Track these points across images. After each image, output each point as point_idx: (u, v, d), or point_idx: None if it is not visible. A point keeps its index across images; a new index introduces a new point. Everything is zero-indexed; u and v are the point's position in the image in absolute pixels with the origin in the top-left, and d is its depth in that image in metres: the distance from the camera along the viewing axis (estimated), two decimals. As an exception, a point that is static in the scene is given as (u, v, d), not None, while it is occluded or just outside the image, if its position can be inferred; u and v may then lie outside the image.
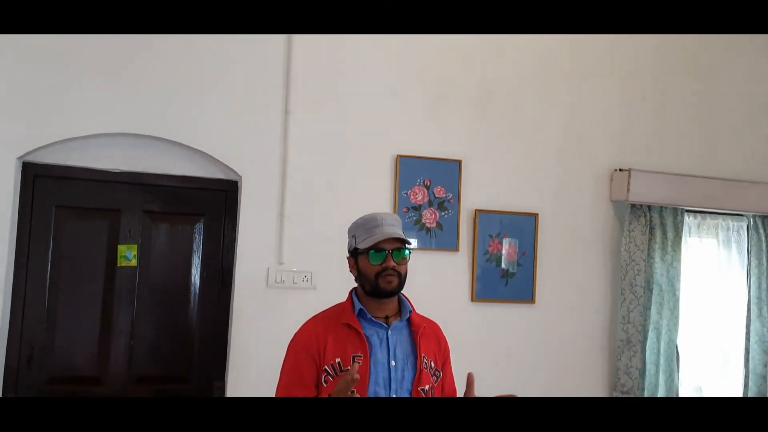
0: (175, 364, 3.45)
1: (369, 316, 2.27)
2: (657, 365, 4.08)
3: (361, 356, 2.19)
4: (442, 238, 3.79)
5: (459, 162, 3.82)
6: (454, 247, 3.80)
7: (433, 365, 2.32)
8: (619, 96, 4.17)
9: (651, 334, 4.07)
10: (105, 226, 3.39)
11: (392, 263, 2.24)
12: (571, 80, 4.08)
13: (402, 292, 2.33)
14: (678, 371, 4.12)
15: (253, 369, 3.34)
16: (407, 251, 2.29)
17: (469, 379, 2.24)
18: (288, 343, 2.30)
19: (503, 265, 3.89)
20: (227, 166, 3.48)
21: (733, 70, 4.41)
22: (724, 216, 4.41)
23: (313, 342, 2.22)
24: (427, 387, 2.27)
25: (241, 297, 3.46)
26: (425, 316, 2.44)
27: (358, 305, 2.28)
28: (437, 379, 2.33)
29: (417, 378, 2.25)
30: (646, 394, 4.04)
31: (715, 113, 4.38)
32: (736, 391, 4.36)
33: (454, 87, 3.86)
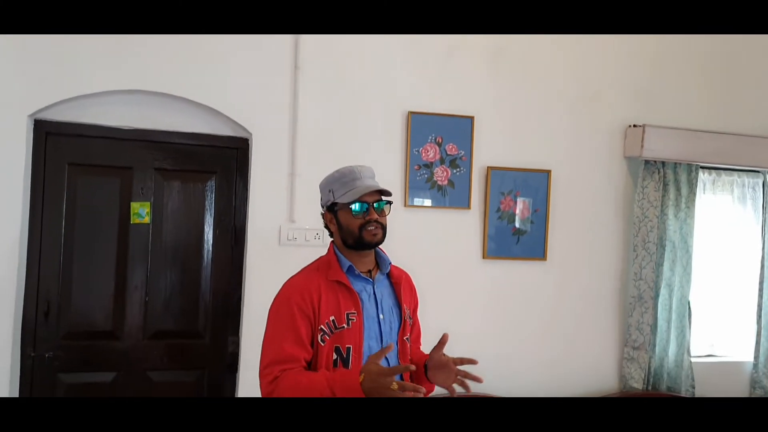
0: (190, 320, 3.49)
1: (357, 271, 2.27)
2: (669, 322, 4.09)
3: (354, 313, 2.21)
4: (454, 196, 3.78)
5: (471, 118, 3.79)
6: (465, 204, 3.80)
7: (409, 314, 2.37)
8: (633, 51, 4.10)
9: (663, 291, 4.07)
10: (117, 184, 3.40)
11: (375, 215, 2.24)
12: (584, 35, 4.01)
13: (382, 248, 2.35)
14: (690, 328, 4.13)
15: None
16: (388, 203, 2.29)
17: (442, 339, 2.27)
18: (274, 299, 2.27)
19: (515, 223, 3.89)
20: (238, 124, 3.48)
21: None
22: (740, 172, 4.36)
23: (306, 300, 2.18)
24: (407, 336, 2.33)
25: (254, 254, 3.48)
26: (396, 265, 2.44)
27: (346, 262, 2.27)
28: (411, 326, 2.39)
29: (402, 328, 2.30)
30: (657, 350, 4.06)
31: (731, 68, 4.31)
32: (747, 347, 4.37)
33: (466, 43, 3.81)
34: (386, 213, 2.29)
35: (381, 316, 2.27)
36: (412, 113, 3.69)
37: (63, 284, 3.32)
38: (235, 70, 3.46)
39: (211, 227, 3.53)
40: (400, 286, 2.35)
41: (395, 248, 3.59)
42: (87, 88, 3.28)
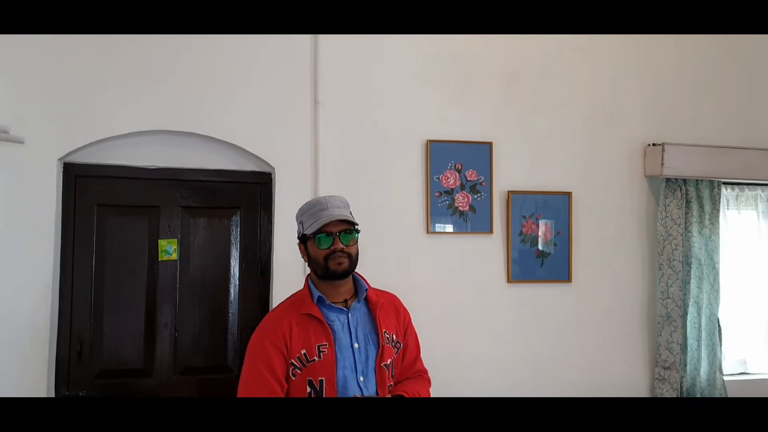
0: (218, 355, 3.52)
1: (328, 302, 2.29)
2: (699, 340, 4.05)
3: (326, 345, 2.22)
4: (476, 221, 3.80)
5: (489, 144, 3.82)
6: (488, 229, 3.81)
7: (395, 338, 2.37)
8: (647, 69, 4.12)
9: (691, 309, 4.03)
10: (145, 222, 3.47)
11: (340, 245, 2.26)
12: (598, 56, 4.04)
13: (356, 270, 2.36)
14: (720, 345, 4.08)
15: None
16: (355, 232, 2.31)
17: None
18: (250, 339, 2.31)
19: (538, 246, 3.89)
20: (261, 159, 3.54)
21: (764, 37, 4.32)
22: (763, 186, 4.33)
23: (279, 335, 2.22)
24: (388, 361, 2.32)
25: (279, 287, 3.50)
26: (381, 289, 2.48)
27: (316, 293, 2.30)
28: (398, 351, 2.39)
29: (380, 355, 2.29)
30: (689, 370, 4.01)
31: (748, 82, 4.30)
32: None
33: (481, 69, 3.86)
34: (355, 242, 2.31)
35: (356, 345, 2.27)
36: (431, 141, 3.73)
37: (95, 323, 3.37)
38: (256, 106, 3.53)
39: (237, 261, 3.57)
40: (377, 311, 2.34)
41: (418, 275, 3.66)
42: (113, 130, 3.36)
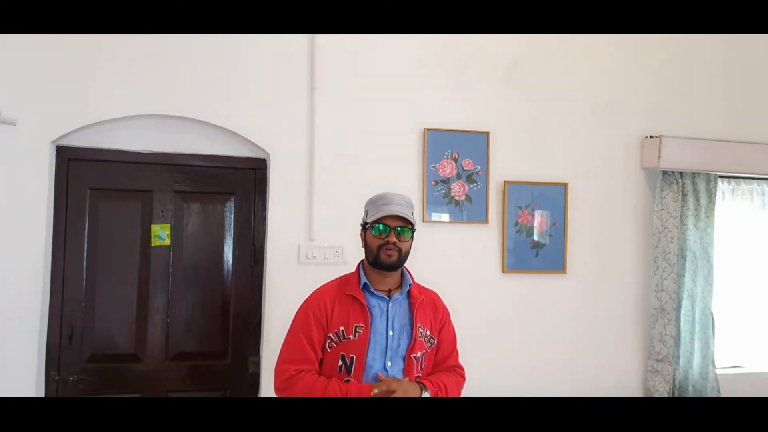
0: (211, 341, 3.51)
1: (372, 289, 2.46)
2: (692, 333, 4.05)
3: (362, 326, 2.40)
4: (472, 211, 3.78)
5: (487, 134, 3.80)
6: (483, 219, 3.80)
7: (428, 333, 2.51)
8: (646, 62, 4.10)
9: (685, 302, 4.03)
10: (138, 207, 3.44)
11: (393, 239, 2.42)
12: (597, 48, 4.02)
13: (405, 266, 2.52)
14: (714, 339, 4.09)
15: (288, 344, 3.38)
16: (410, 231, 2.46)
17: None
18: (298, 307, 2.51)
19: (534, 236, 3.88)
20: (255, 145, 3.51)
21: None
22: (759, 180, 4.33)
23: (321, 309, 2.43)
24: (419, 354, 2.47)
25: (274, 273, 3.49)
26: (425, 286, 2.63)
27: (363, 279, 2.48)
28: (431, 346, 2.53)
29: (411, 346, 2.44)
30: (682, 362, 4.02)
31: (746, 76, 4.29)
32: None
33: (480, 58, 3.83)
34: (408, 240, 2.46)
35: (390, 333, 2.43)
36: (428, 130, 3.71)
37: (86, 308, 3.35)
38: (252, 91, 3.50)
39: (231, 248, 3.55)
40: (416, 307, 2.49)
41: (413, 264, 3.62)
42: (107, 114, 3.33)
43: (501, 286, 3.83)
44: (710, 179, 4.10)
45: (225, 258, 3.55)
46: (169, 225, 3.46)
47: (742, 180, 4.31)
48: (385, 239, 2.42)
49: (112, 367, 3.38)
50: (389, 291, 2.49)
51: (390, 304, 2.46)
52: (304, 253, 3.52)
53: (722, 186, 4.24)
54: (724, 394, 4.07)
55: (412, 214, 2.49)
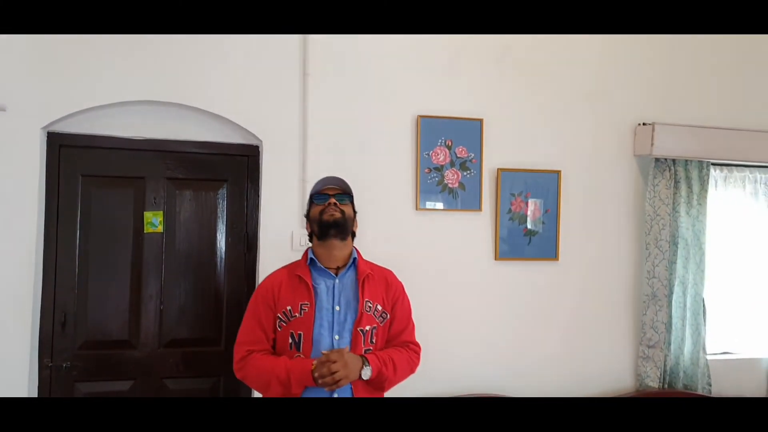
0: (204, 328, 3.52)
1: (319, 264, 2.60)
2: (683, 319, 4.08)
3: (307, 304, 2.53)
4: (465, 198, 3.78)
5: (480, 121, 3.79)
6: (477, 206, 3.80)
7: (379, 308, 2.63)
8: (639, 49, 4.09)
9: (677, 289, 4.05)
10: (131, 194, 3.43)
11: (333, 201, 2.60)
12: (590, 35, 4.00)
13: (356, 247, 2.68)
14: (705, 325, 4.11)
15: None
16: (348, 198, 2.65)
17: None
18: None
19: (527, 224, 3.89)
20: (248, 131, 3.50)
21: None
22: (752, 168, 4.34)
23: (269, 292, 2.59)
24: (367, 327, 2.57)
25: (266, 260, 3.48)
26: (379, 265, 2.75)
27: (310, 255, 2.63)
28: (383, 320, 2.64)
29: (358, 320, 2.56)
30: (673, 349, 4.05)
31: (740, 64, 4.29)
32: (764, 344, 4.34)
33: (472, 45, 3.82)
34: (345, 203, 2.63)
35: (336, 308, 2.56)
36: (421, 117, 3.70)
37: (79, 294, 3.35)
38: (244, 78, 3.48)
39: (224, 234, 3.55)
40: (362, 281, 2.60)
41: (407, 251, 3.64)
42: (98, 100, 3.31)
43: (494, 273, 3.84)
44: (703, 166, 4.11)
45: (218, 245, 3.54)
46: (161, 212, 3.45)
47: (734, 167, 4.32)
48: (326, 203, 2.59)
49: (105, 354, 3.38)
50: (337, 269, 2.61)
51: (336, 281, 2.58)
52: (297, 240, 3.51)
53: (715, 173, 4.25)
54: (714, 381, 4.11)
55: (350, 189, 2.68)
